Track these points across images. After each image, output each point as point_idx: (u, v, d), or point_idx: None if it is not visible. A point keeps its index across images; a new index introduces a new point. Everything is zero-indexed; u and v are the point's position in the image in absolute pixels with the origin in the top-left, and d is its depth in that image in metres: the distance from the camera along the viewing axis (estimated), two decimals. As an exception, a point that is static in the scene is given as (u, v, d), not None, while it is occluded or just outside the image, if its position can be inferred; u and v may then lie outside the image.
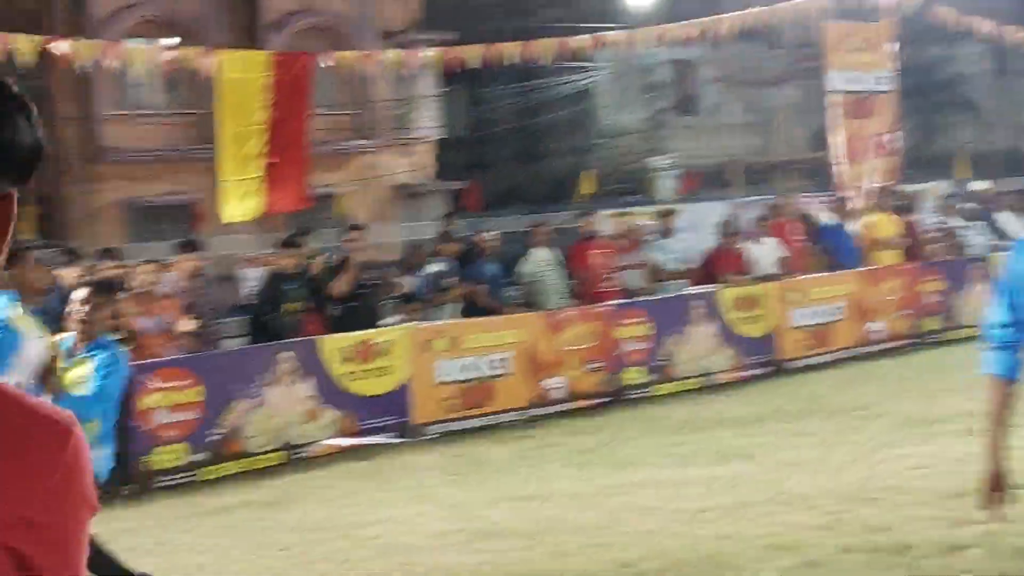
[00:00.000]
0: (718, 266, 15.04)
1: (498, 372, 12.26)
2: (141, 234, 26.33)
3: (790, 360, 14.43)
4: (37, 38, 10.69)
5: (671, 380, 13.43)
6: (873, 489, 7.81)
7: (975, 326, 11.12)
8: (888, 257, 15.56)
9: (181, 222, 26.45)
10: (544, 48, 15.27)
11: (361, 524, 8.16)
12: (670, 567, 6.50)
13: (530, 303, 13.75)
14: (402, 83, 30.60)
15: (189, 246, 11.88)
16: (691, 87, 33.59)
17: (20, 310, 6.14)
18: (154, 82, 26.66)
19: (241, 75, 12.47)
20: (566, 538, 7.29)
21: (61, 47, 10.93)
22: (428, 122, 31.77)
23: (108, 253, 11.93)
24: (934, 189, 21.45)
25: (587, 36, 15.98)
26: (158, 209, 27.39)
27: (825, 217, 16.71)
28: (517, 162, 37.90)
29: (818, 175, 23.14)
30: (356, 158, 30.65)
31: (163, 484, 9.90)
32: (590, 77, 34.35)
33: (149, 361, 10.37)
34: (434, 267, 12.87)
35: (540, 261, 13.81)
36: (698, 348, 13.68)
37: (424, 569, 6.85)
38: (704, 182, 31.05)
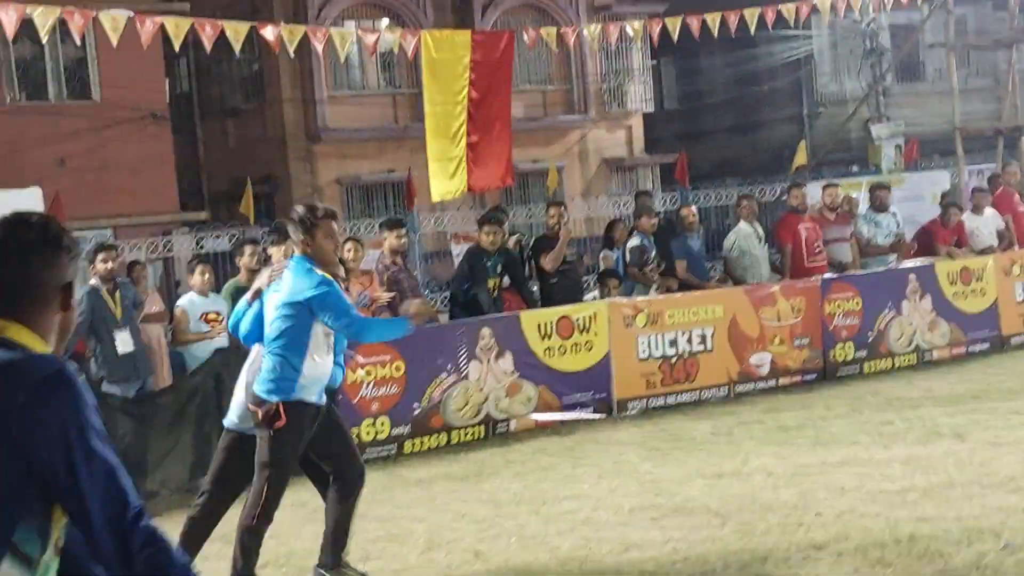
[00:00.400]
0: (936, 238, 14.51)
1: (700, 348, 12.12)
2: (359, 211, 27.09)
3: (1012, 336, 13.82)
4: (245, 24, 11.05)
5: (883, 357, 13.04)
6: (1088, 472, 7.42)
7: None
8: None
9: (396, 199, 27.11)
10: (753, 16, 14.96)
11: (554, 499, 8.20)
12: (862, 549, 6.30)
13: (734, 278, 13.53)
14: (613, 56, 30.53)
15: (395, 224, 12.10)
16: (914, 52, 32.37)
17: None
18: (370, 63, 27.32)
19: (443, 55, 12.64)
20: (757, 517, 7.15)
21: (268, 32, 11.28)
22: (639, 95, 31.57)
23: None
24: None
25: (799, 2, 15.57)
26: (374, 187, 28.09)
27: (1051, 185, 15.89)
28: (730, 134, 37.25)
29: (1049, 141, 22.03)
30: (568, 133, 30.73)
31: (369, 457, 10.15)
32: (806, 45, 33.48)
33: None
34: (634, 242, 12.78)
35: (745, 235, 13.56)
36: (913, 324, 13.22)
37: (610, 546, 6.83)
38: (928, 150, 29.93)
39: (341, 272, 6.98)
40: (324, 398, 6.44)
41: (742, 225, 13.65)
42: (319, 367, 6.30)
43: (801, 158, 27.12)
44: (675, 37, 14.48)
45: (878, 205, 14.48)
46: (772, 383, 12.42)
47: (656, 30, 14.61)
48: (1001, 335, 13.74)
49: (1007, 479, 7.50)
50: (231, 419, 6.69)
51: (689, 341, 12.07)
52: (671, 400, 11.88)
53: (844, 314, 12.92)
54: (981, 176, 20.29)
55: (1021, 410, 9.90)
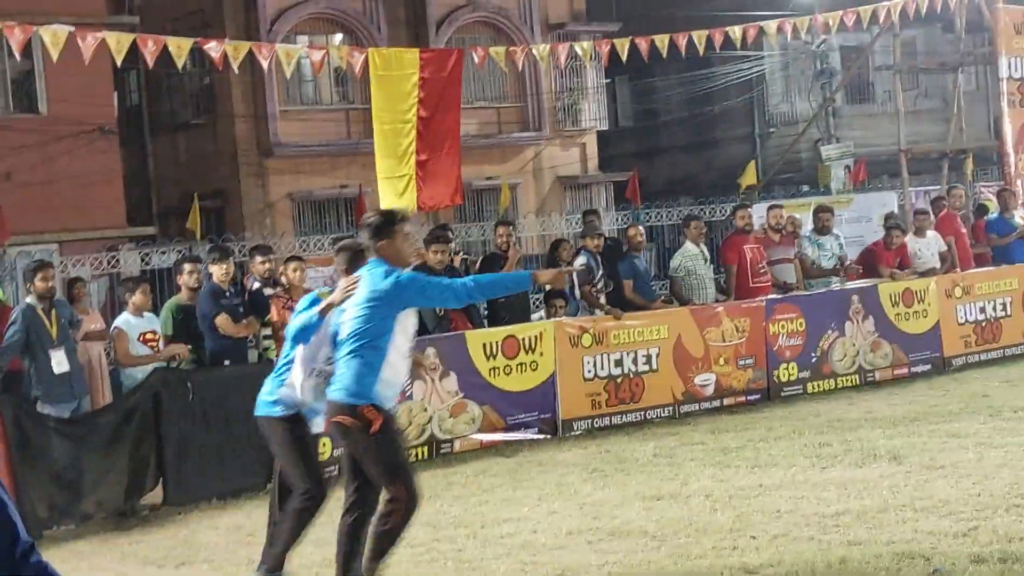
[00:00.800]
0: (879, 260, 14.64)
1: (645, 368, 12.16)
2: (310, 227, 27.01)
3: (954, 357, 13.96)
4: (188, 40, 11.00)
5: (826, 377, 13.13)
6: (1019, 495, 7.49)
7: None
8: (1061, 253, 14.90)
9: (348, 215, 27.03)
10: (702, 38, 15.08)
11: (493, 522, 8.19)
12: (794, 573, 6.33)
13: (680, 298, 13.59)
14: (568, 74, 30.63)
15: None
16: (864, 73, 32.71)
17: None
18: (323, 77, 27.25)
19: (391, 72, 12.65)
20: (693, 540, 7.18)
21: (213, 48, 11.23)
22: (593, 113, 31.71)
23: (259, 250, 12.21)
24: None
25: (749, 25, 15.70)
26: (327, 202, 28.01)
27: (993, 209, 16.11)
28: (684, 152, 37.48)
29: (994, 164, 22.31)
30: (522, 150, 30.79)
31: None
32: (759, 65, 33.76)
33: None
34: (579, 261, 12.81)
35: (691, 255, 13.62)
36: (855, 345, 13.32)
37: (546, 570, 6.82)
38: (877, 171, 30.21)
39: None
40: (397, 407, 6.46)
41: (688, 245, 13.71)
42: (397, 372, 6.31)
43: (751, 178, 27.33)
44: (624, 58, 14.57)
45: (821, 228, 14.61)
46: (717, 403, 12.48)
47: (606, 50, 14.70)
48: (943, 356, 13.87)
49: (940, 503, 7.56)
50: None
51: (635, 361, 12.12)
52: (616, 420, 11.90)
53: (788, 335, 13.02)
54: (928, 198, 20.52)
55: (959, 433, 9.98)
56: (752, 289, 13.36)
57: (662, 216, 25.52)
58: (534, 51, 14.66)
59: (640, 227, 14.37)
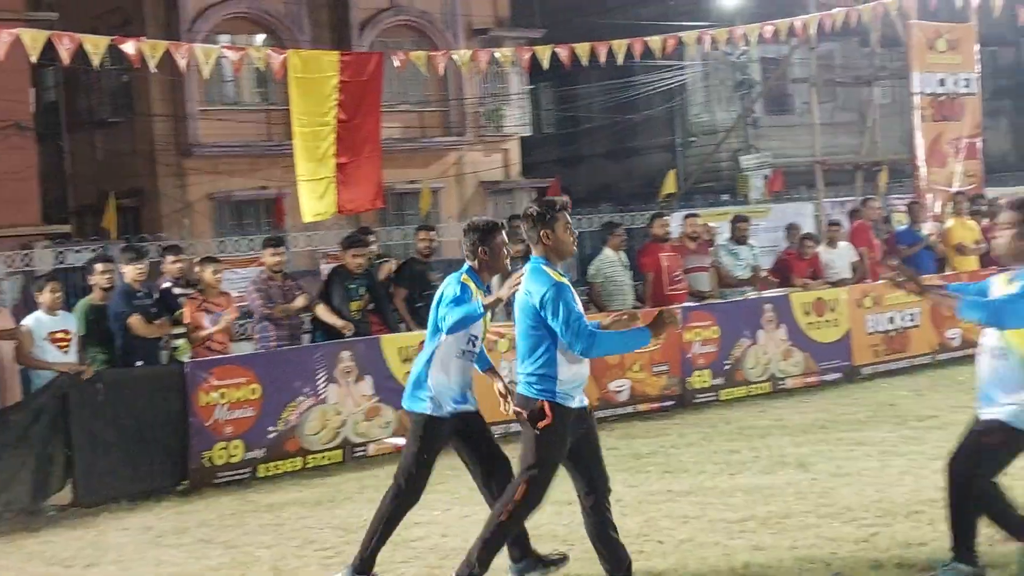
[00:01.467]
0: (792, 269, 14.88)
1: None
2: (230, 228, 26.80)
3: (863, 366, 14.20)
4: (104, 38, 10.88)
5: (738, 385, 13.30)
6: (919, 502, 7.66)
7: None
8: (967, 263, 15.21)
9: (268, 217, 26.87)
10: (622, 47, 15.21)
11: (404, 525, 8.13)
12: (698, 579, 6.43)
13: (599, 304, 13.68)
14: (491, 80, 30.72)
15: (273, 242, 12.06)
16: (782, 85, 33.19)
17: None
18: (245, 78, 27.08)
19: (311, 75, 12.62)
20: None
21: (129, 47, 11.11)
22: (516, 119, 31.82)
23: (171, 249, 12.14)
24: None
25: (670, 35, 15.87)
26: (246, 204, 27.83)
27: (904, 221, 16.44)
28: (606, 159, 37.78)
29: (907, 177, 22.76)
30: (445, 154, 30.83)
31: (220, 481, 10.06)
32: (680, 75, 34.11)
33: (208, 359, 10.59)
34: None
35: (609, 262, 13.73)
36: (768, 353, 13.51)
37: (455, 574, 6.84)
38: (795, 182, 30.68)
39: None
40: (585, 401, 6.43)
41: (607, 252, 13.81)
42: (573, 369, 6.25)
43: (671, 186, 27.60)
44: (545, 65, 14.66)
45: (737, 237, 14.81)
46: (630, 409, 12.58)
47: (527, 57, 14.77)
48: (852, 365, 14.12)
49: (844, 509, 7.72)
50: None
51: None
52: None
53: (702, 342, 13.16)
54: (843, 208, 20.88)
55: (865, 441, 10.17)
56: (668, 297, 13.49)
57: (583, 223, 25.66)
58: (455, 56, 14.68)
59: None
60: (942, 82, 17.61)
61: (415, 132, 30.03)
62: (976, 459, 5.92)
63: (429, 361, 6.71)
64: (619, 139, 37.05)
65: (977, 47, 18.06)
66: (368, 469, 10.46)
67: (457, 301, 6.47)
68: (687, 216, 15.09)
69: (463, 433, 6.87)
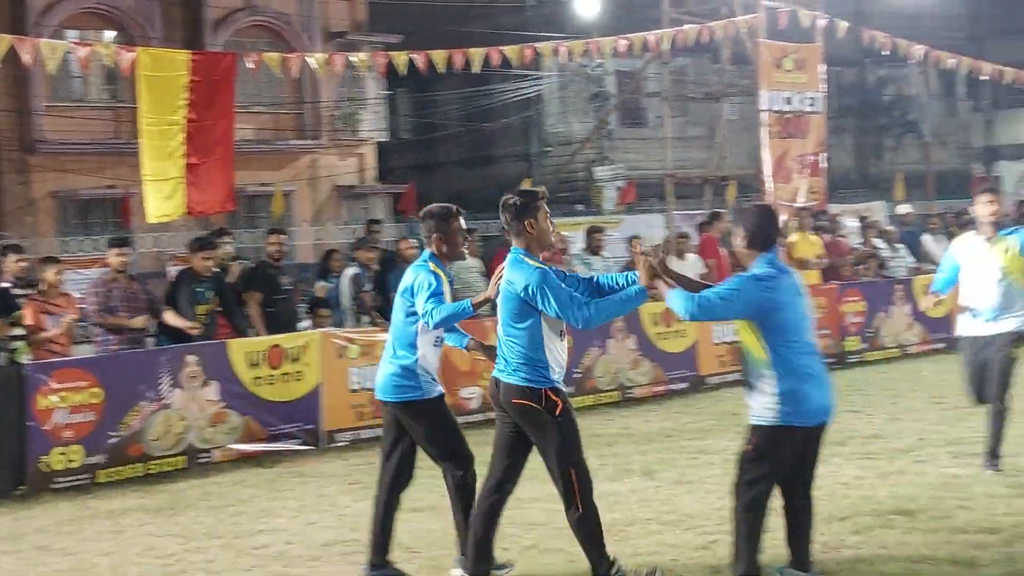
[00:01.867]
0: (640, 281, 15.07)
1: (411, 380, 12.17)
2: (75, 227, 26.12)
3: (709, 376, 14.47)
4: (-59, 30, 10.50)
5: (589, 393, 13.42)
6: (758, 511, 7.82)
7: (896, 347, 11.21)
8: (809, 276, 15.62)
9: (114, 217, 26.26)
10: (479, 55, 15.27)
11: (248, 533, 8.10)
12: (542, 585, 6.48)
13: (453, 311, 13.69)
14: (347, 84, 30.52)
15: (118, 242, 11.75)
16: (637, 99, 33.71)
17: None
18: (93, 74, 26.41)
19: (161, 73, 12.36)
20: (448, 552, 7.25)
21: (-33, 40, 10.75)
22: (372, 124, 31.68)
23: (12, 248, 11.78)
24: (865, 210, 21.61)
25: (527, 45, 15.99)
26: (92, 202, 27.15)
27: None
28: (462, 167, 37.86)
29: (755, 192, 23.30)
30: (299, 157, 30.53)
31: (59, 487, 9.78)
32: (537, 85, 34.38)
33: (49, 361, 10.30)
34: (350, 272, 12.79)
35: (466, 268, 13.78)
36: (617, 362, 13.68)
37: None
38: (648, 194, 31.18)
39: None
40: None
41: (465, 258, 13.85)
42: (556, 353, 6.33)
43: (526, 195, 27.73)
44: (401, 71, 14.63)
45: (592, 247, 14.98)
46: (481, 416, 12.60)
47: (383, 62, 14.73)
48: (699, 375, 14.38)
49: (686, 516, 7.85)
50: None
51: (399, 374, 12.11)
52: (381, 432, 11.83)
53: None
54: (692, 221, 21.30)
55: (708, 449, 10.36)
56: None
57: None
58: (311, 59, 14.56)
59: (412, 240, 14.41)
60: (789, 100, 18.08)
61: (269, 134, 29.68)
62: (740, 468, 6.15)
63: (415, 349, 6.74)
64: (476, 147, 37.18)
65: (823, 67, 18.59)
66: (212, 476, 10.28)
67: (435, 294, 6.54)
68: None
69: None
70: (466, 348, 7.18)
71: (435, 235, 6.76)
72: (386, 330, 12.03)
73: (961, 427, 10.76)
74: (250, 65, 13.60)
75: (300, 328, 12.51)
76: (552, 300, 6.15)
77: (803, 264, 15.79)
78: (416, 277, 6.67)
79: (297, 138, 30.26)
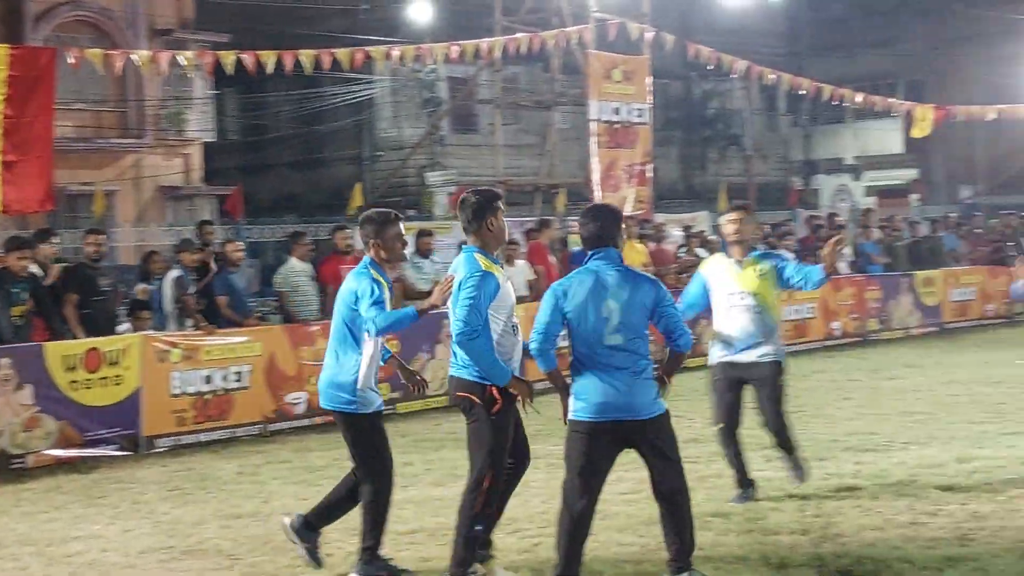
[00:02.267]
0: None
1: (236, 385, 12.04)
2: None
3: (538, 381, 14.56)
4: None
5: (416, 398, 13.40)
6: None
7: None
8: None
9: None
10: (310, 57, 15.15)
11: (62, 540, 7.86)
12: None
13: (284, 315, 13.57)
14: (173, 83, 29.90)
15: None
16: (469, 105, 33.85)
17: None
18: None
19: (-26, 67, 11.92)
20: (268, 559, 7.18)
21: None
22: (199, 124, 31.09)
23: None
24: (690, 219, 22.13)
25: (357, 48, 15.92)
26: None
27: (579, 242, 17.02)
28: (293, 169, 37.44)
29: (585, 200, 23.63)
30: (122, 156, 29.78)
31: None
32: (369, 88, 34.24)
33: None
34: (172, 275, 12.54)
35: (295, 271, 13.65)
36: (445, 365, 13.68)
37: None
38: (476, 200, 31.31)
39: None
40: None
41: (293, 262, 13.74)
42: (506, 349, 6.38)
43: (359, 199, 27.63)
44: (229, 70, 14.44)
45: (422, 251, 14.99)
46: (307, 422, 12.50)
47: (209, 61, 14.50)
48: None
49: (509, 520, 7.85)
50: None
51: (225, 378, 11.96)
52: (203, 438, 11.71)
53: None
54: (522, 228, 21.46)
55: (533, 454, 10.38)
56: (347, 309, 13.47)
57: (267, 232, 25.37)
58: (135, 56, 14.24)
59: (238, 243, 14.21)
60: (617, 111, 18.40)
61: (91, 132, 28.87)
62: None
63: (359, 360, 6.62)
64: (306, 150, 36.82)
65: (650, 79, 18.98)
66: (25, 482, 9.96)
67: (378, 301, 6.46)
68: (370, 230, 15.11)
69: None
70: (384, 362, 7.07)
71: (373, 241, 6.72)
72: (210, 334, 11.93)
73: (776, 431, 11.10)
74: (71, 61, 13.24)
75: (120, 331, 12.20)
76: (465, 296, 6.20)
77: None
78: (359, 284, 6.62)
79: (120, 137, 29.53)
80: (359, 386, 6.65)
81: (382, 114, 36.12)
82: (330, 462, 10.45)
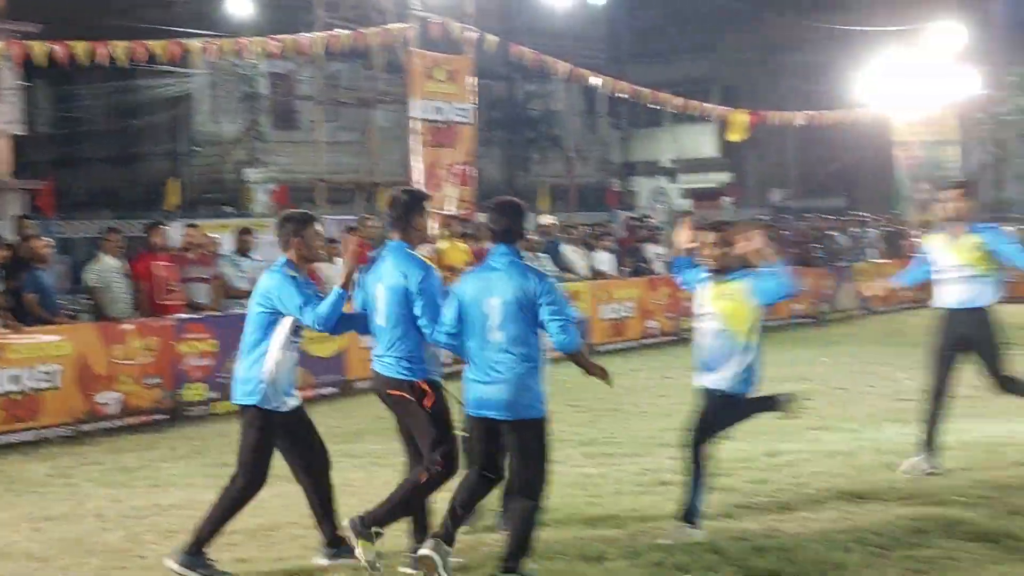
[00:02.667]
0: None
1: (45, 385, 11.68)
2: None
3: (357, 381, 14.56)
4: None
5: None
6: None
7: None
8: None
9: None
10: (124, 49, 14.79)
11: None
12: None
13: (96, 312, 13.21)
14: (-20, 73, 28.78)
15: None
16: (289, 101, 33.49)
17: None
18: None
19: None
20: (80, 561, 7.03)
21: None
22: (7, 115, 29.97)
23: None
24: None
25: (173, 41, 15.60)
26: None
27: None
28: (107, 164, 36.44)
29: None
30: (-78, 149, 28.54)
31: None
32: (186, 82, 33.55)
33: None
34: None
35: (108, 268, 13.32)
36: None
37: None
38: (296, 198, 30.99)
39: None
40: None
41: (105, 258, 13.41)
42: (431, 348, 6.53)
43: (174, 195, 27.06)
44: (39, 61, 14.00)
45: (242, 249, 14.80)
46: (120, 423, 12.22)
47: (18, 52, 14.03)
48: (347, 380, 14.47)
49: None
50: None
51: (33, 377, 11.60)
52: (12, 439, 11.33)
53: (198, 355, 13.01)
54: (342, 226, 21.33)
55: (354, 453, 10.46)
56: (163, 307, 13.25)
57: (79, 229, 24.64)
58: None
59: (47, 239, 13.77)
60: (439, 110, 18.41)
61: None
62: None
63: (263, 356, 6.58)
64: (121, 144, 35.87)
65: (473, 79, 19.05)
66: None
67: (308, 300, 6.50)
68: (187, 226, 14.90)
69: (291, 427, 6.85)
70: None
71: (293, 239, 6.74)
72: (17, 332, 11.54)
73: (595, 429, 11.35)
74: None
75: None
76: (431, 298, 6.42)
77: (453, 270, 16.14)
78: (274, 283, 6.63)
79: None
80: (263, 380, 6.62)
81: (200, 108, 35.45)
82: (145, 463, 10.27)
